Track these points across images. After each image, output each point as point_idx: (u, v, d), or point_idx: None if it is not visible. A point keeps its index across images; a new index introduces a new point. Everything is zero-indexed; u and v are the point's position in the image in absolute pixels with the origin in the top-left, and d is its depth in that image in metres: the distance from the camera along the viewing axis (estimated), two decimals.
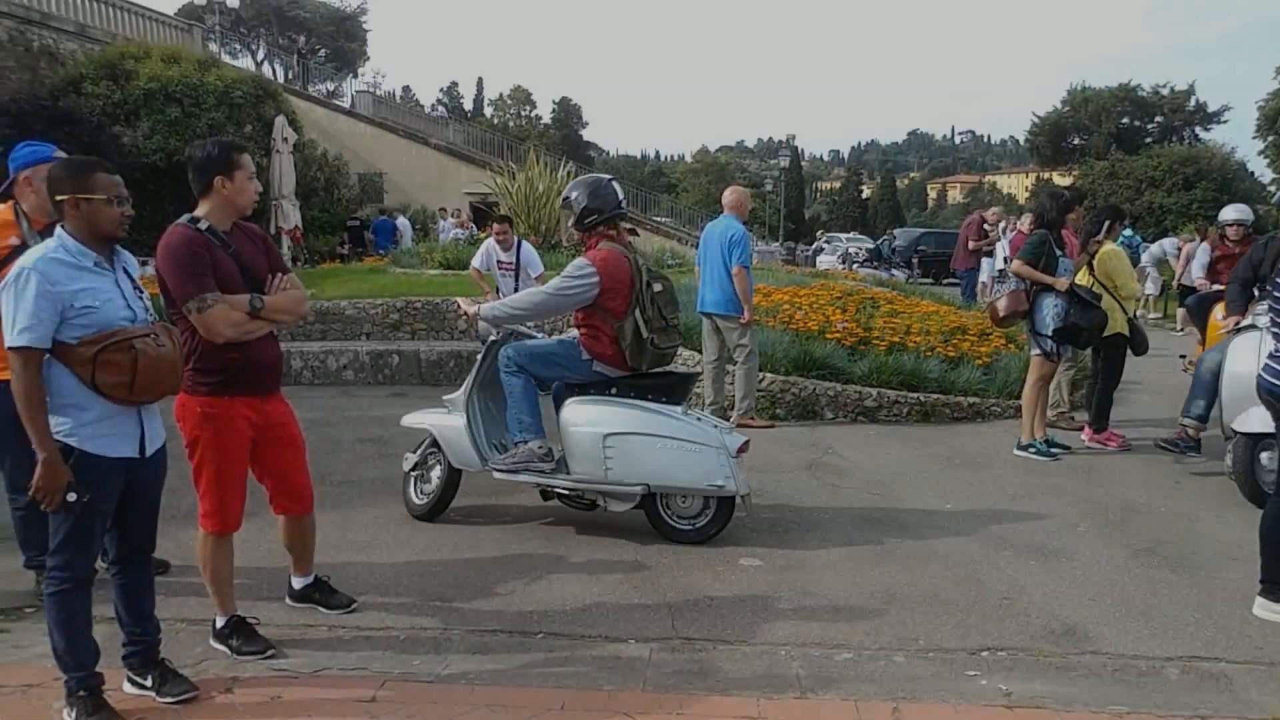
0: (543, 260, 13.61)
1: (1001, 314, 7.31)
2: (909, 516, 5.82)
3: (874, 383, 8.66)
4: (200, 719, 3.34)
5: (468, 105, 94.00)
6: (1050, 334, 7.07)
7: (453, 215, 23.14)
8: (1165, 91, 45.48)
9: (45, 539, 3.27)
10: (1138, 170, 37.98)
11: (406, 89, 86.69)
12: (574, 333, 5.29)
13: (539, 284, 8.91)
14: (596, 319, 5.09)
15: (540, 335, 5.71)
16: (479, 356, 5.61)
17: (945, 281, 24.32)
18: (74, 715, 3.19)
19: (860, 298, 10.85)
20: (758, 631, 4.13)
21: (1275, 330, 4.45)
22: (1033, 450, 7.27)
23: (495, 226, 9.79)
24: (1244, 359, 6.03)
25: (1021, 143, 62.74)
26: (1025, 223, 13.39)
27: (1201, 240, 16.52)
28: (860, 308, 10.37)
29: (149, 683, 3.39)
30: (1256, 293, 6.42)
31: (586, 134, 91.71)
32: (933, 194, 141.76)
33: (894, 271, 25.58)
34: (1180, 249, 16.24)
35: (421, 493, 5.68)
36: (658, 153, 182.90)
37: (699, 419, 5.25)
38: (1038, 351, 7.22)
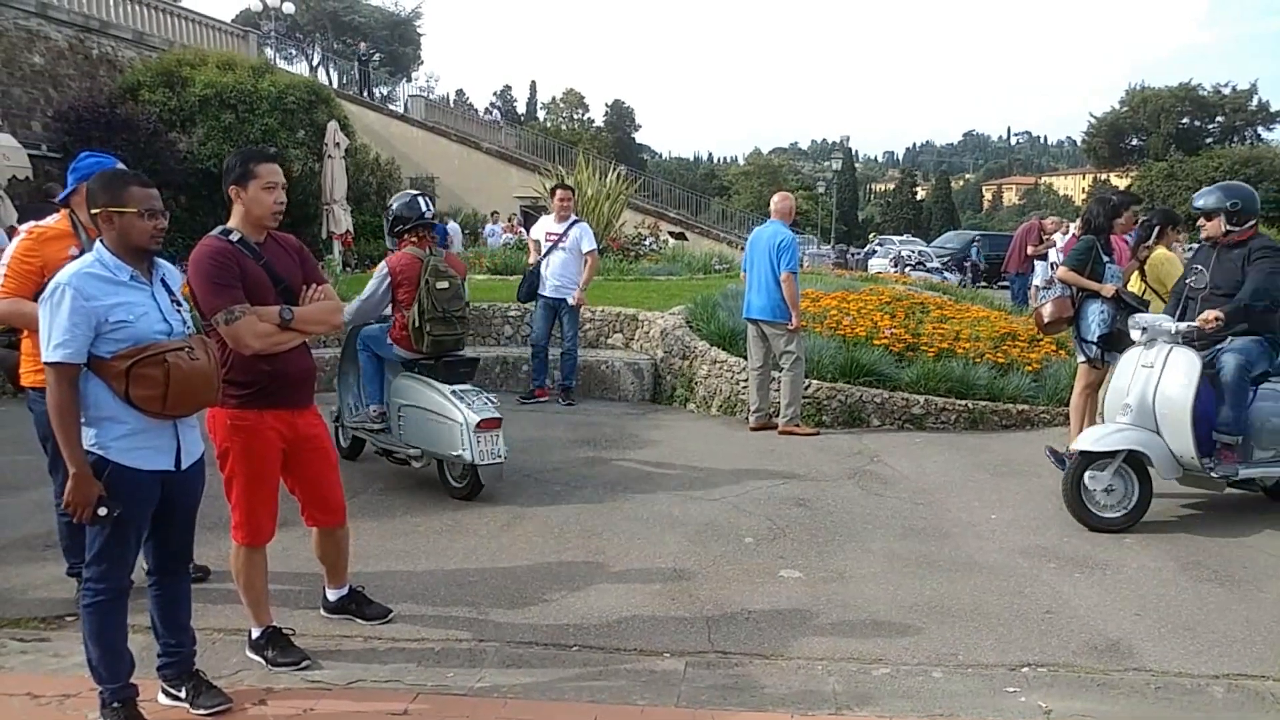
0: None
1: (1046, 320, 7.18)
2: (954, 527, 5.73)
3: (921, 390, 8.55)
4: None
5: (521, 109, 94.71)
6: (1095, 340, 6.92)
7: (503, 220, 23.26)
8: (1226, 91, 44.51)
9: None
10: (1197, 171, 37.24)
11: (460, 92, 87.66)
12: None
13: (589, 260, 9.15)
14: (397, 310, 6.12)
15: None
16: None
17: (997, 285, 23.99)
18: None
19: (910, 303, 10.71)
20: (795, 645, 4.09)
21: None
22: None
23: (559, 193, 9.55)
24: (1122, 374, 5.96)
25: (1079, 144, 61.74)
26: (1078, 227, 13.20)
27: None
28: (909, 313, 10.24)
29: (183, 694, 3.41)
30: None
31: (639, 137, 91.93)
32: (988, 195, 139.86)
33: (946, 275, 25.26)
34: None
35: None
36: (710, 155, 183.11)
37: (463, 397, 5.97)
38: (1083, 359, 7.08)
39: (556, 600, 4.53)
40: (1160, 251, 7.46)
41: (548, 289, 9.13)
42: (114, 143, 16.34)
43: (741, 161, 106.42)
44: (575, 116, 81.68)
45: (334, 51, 49.34)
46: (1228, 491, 6.03)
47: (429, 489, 6.34)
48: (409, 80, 53.51)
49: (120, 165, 4.19)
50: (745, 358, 8.57)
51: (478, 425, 5.75)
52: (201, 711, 3.37)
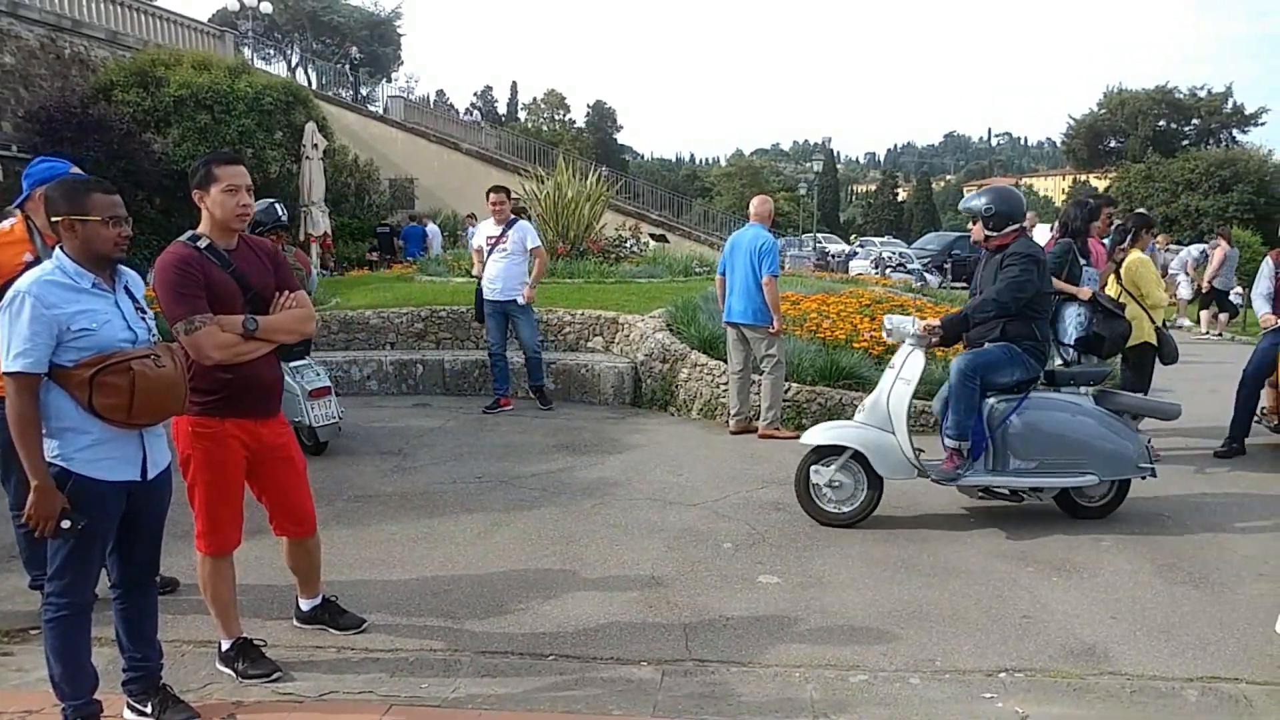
0: (574, 268, 13.62)
1: None
2: (933, 531, 5.72)
3: None
4: None
5: (502, 109, 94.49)
6: (1073, 343, 6.94)
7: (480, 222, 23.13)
8: (1202, 93, 44.88)
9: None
10: (1174, 173, 37.45)
11: (440, 93, 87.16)
12: None
13: (537, 256, 8.98)
14: None
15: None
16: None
17: None
18: None
19: (890, 305, 10.73)
20: (773, 653, 4.06)
21: None
22: None
23: (492, 196, 9.12)
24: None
25: (1058, 145, 62.10)
26: (1056, 229, 13.26)
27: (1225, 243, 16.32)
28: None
29: (149, 710, 3.35)
30: None
31: (621, 137, 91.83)
32: None
33: (926, 277, 25.35)
34: (1207, 253, 16.06)
35: None
36: (692, 156, 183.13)
37: (299, 370, 7.05)
38: (1060, 362, 7.10)
39: (532, 608, 4.49)
40: (1135, 254, 7.50)
41: (493, 293, 8.92)
42: (86, 143, 16.19)
43: (723, 163, 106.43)
44: (556, 117, 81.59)
45: (313, 52, 49.07)
46: (1027, 503, 5.95)
47: (403, 497, 6.30)
48: (389, 81, 53.22)
49: (76, 170, 4.14)
50: (726, 361, 8.55)
51: (310, 394, 7.01)
52: None
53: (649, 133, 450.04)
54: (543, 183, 15.82)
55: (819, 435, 5.84)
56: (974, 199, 5.96)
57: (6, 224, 4.31)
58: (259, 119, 19.67)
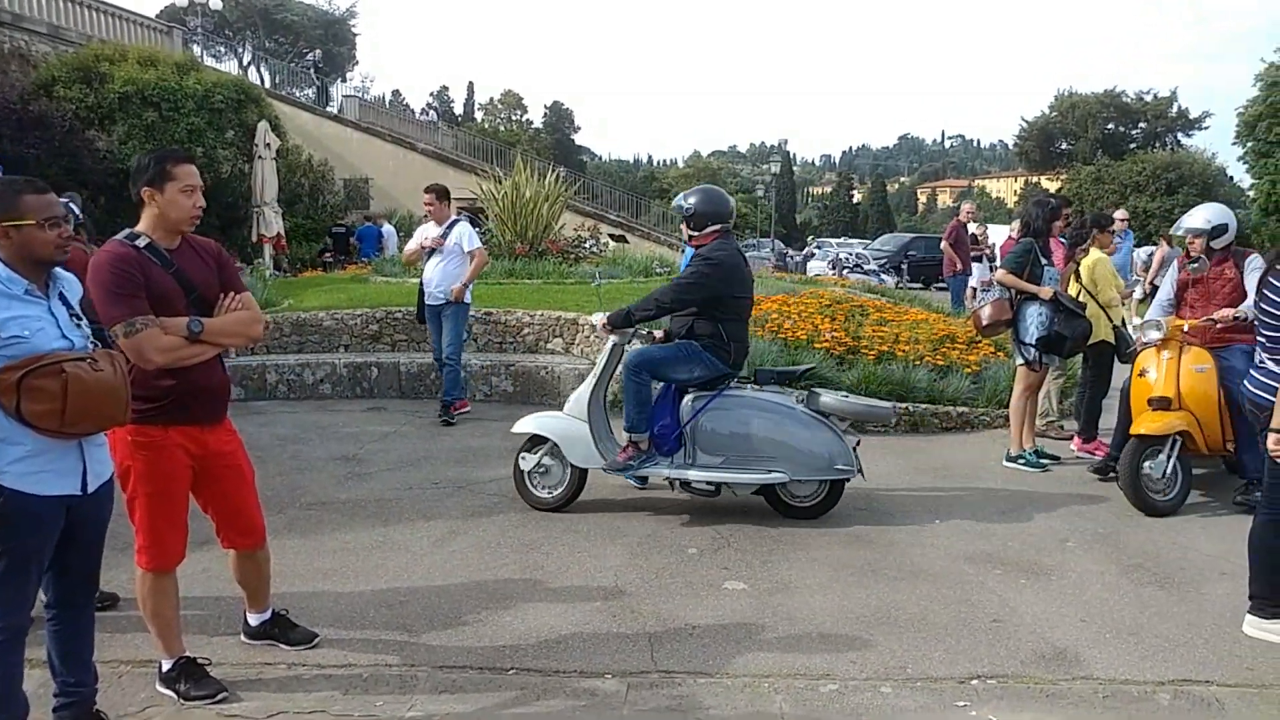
0: (533, 269, 13.44)
1: (985, 322, 7.19)
2: (898, 533, 5.65)
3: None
4: None
5: (459, 110, 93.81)
6: (1034, 343, 6.93)
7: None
8: (1149, 98, 45.67)
9: None
10: (1122, 175, 38.08)
11: (396, 93, 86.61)
12: None
13: (475, 257, 8.59)
14: None
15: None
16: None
17: (935, 286, 24.26)
18: None
19: (849, 305, 10.69)
20: (741, 662, 3.95)
21: (1262, 340, 4.32)
22: (1022, 461, 7.13)
23: (425, 197, 8.72)
24: None
25: (1010, 147, 62.87)
26: (1016, 228, 13.31)
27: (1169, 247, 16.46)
28: (849, 316, 10.21)
29: None
30: None
31: (579, 138, 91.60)
32: (923, 198, 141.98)
33: (883, 277, 25.49)
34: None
35: None
36: (650, 157, 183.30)
37: None
38: (1022, 361, 7.09)
39: (492, 620, 4.34)
40: (1094, 254, 7.51)
41: (432, 297, 8.58)
42: (26, 141, 15.70)
43: (681, 164, 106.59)
44: (514, 118, 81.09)
45: (266, 50, 48.34)
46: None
47: (357, 505, 6.11)
48: (343, 81, 52.61)
49: None
50: None
51: None
52: None
53: (607, 134, 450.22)
54: (500, 183, 15.62)
55: (528, 424, 6.02)
56: (681, 198, 6.03)
57: None
58: (209, 117, 19.20)
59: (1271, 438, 4.02)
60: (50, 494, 2.97)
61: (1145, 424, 6.05)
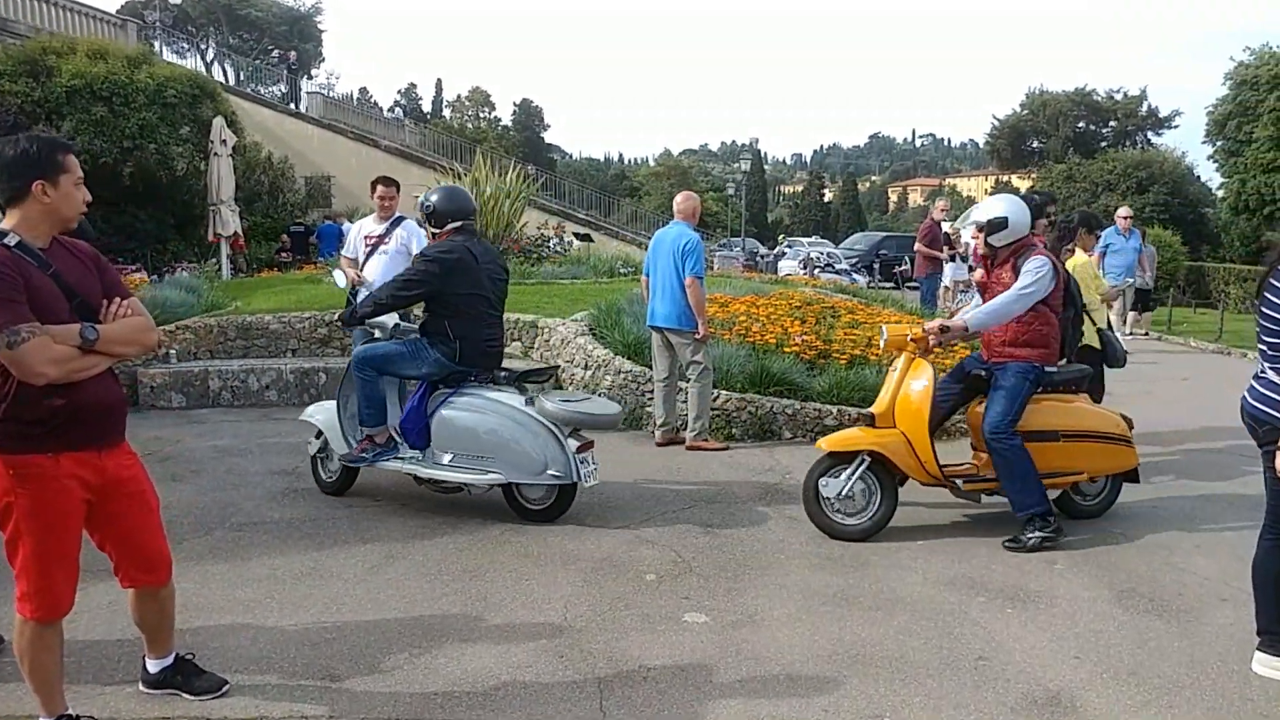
0: (498, 266, 12.94)
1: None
2: (873, 554, 5.26)
3: (834, 400, 8.11)
4: None
5: (427, 107, 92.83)
6: None
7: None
8: (1119, 96, 45.72)
9: None
10: (1094, 174, 37.99)
11: (363, 90, 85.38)
12: None
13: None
14: None
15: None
16: None
17: (907, 286, 24.00)
18: None
19: (820, 307, 10.32)
20: (701, 711, 3.54)
21: (1262, 348, 3.90)
22: None
23: (379, 188, 7.84)
24: None
25: (981, 146, 62.96)
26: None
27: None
28: (820, 318, 9.84)
29: None
30: None
31: (549, 137, 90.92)
32: (894, 197, 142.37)
33: (854, 277, 25.21)
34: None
35: None
36: (621, 156, 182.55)
37: None
38: None
39: (424, 662, 3.90)
40: (1078, 256, 7.18)
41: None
42: None
43: (652, 163, 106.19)
44: (482, 115, 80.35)
45: (229, 47, 47.43)
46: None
47: (290, 525, 5.65)
48: (309, 78, 51.72)
49: None
50: (651, 368, 8.03)
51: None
52: None
53: (577, 132, 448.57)
54: (460, 179, 15.16)
55: (307, 412, 6.49)
56: (424, 197, 6.10)
57: None
58: (161, 112, 18.59)
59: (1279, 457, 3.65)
60: None
61: (831, 439, 5.61)
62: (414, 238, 7.68)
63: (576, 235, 22.44)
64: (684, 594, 4.65)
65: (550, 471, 5.53)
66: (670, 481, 6.70)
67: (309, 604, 4.48)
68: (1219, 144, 34.80)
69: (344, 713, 3.49)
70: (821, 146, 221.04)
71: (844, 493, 5.44)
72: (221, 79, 34.76)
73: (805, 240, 47.66)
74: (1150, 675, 3.85)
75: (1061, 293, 5.65)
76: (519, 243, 14.81)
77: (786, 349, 8.64)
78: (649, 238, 29.55)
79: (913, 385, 5.50)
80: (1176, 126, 46.24)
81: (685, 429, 7.74)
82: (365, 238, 7.86)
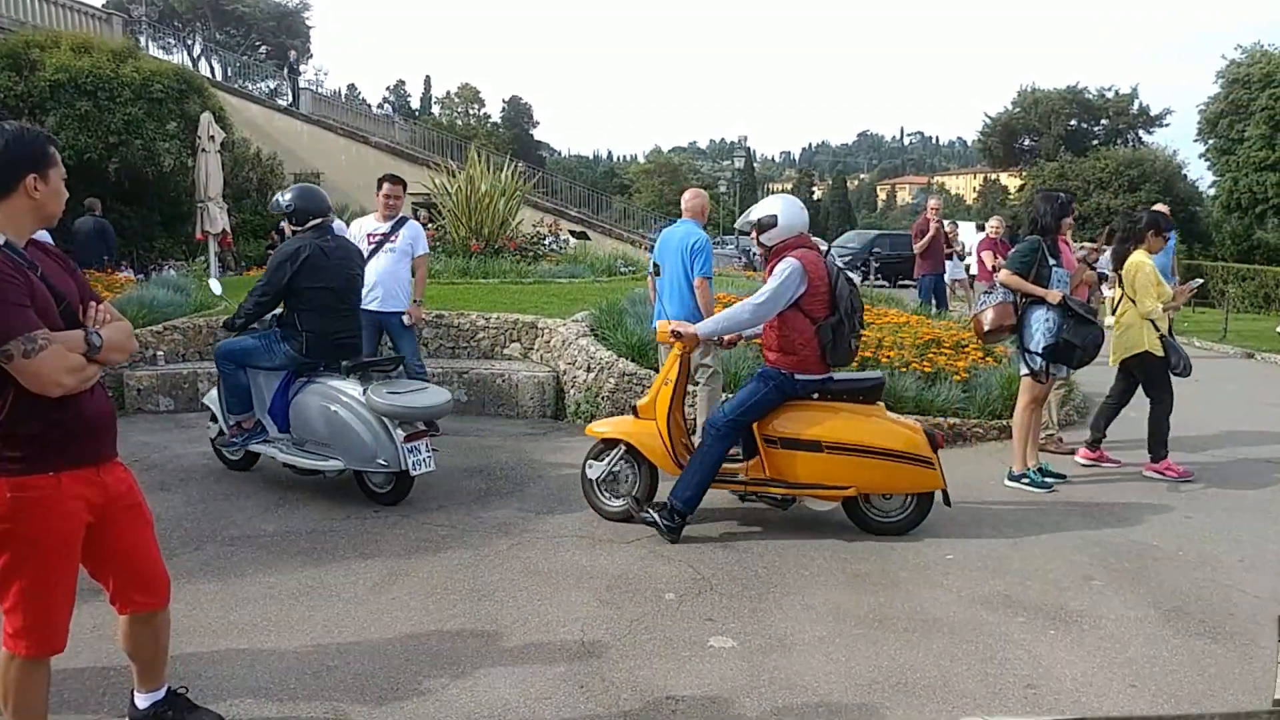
0: (488, 268, 12.68)
1: (987, 328, 6.55)
2: (901, 569, 5.00)
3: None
4: None
5: (416, 104, 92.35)
6: (1040, 351, 6.33)
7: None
8: (1110, 94, 45.64)
9: None
10: (1086, 172, 37.92)
11: (352, 87, 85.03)
12: None
13: (420, 266, 7.73)
14: None
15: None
16: None
17: (900, 283, 23.81)
18: None
19: None
20: None
21: None
22: (1026, 481, 6.53)
23: (386, 186, 7.70)
24: None
25: (970, 144, 62.80)
26: (992, 225, 12.75)
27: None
28: None
29: None
30: None
31: (538, 133, 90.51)
32: (882, 195, 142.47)
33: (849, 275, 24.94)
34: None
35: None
36: (610, 153, 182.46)
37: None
38: (1026, 371, 6.48)
39: (434, 691, 3.62)
40: (1137, 256, 6.92)
41: (372, 301, 7.34)
42: None
43: (642, 160, 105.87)
44: (471, 112, 79.96)
45: (216, 43, 46.93)
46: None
47: (286, 538, 5.36)
48: (297, 74, 51.21)
49: None
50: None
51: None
52: None
53: (566, 130, 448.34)
54: (454, 176, 14.86)
55: (211, 398, 6.67)
56: (279, 196, 6.29)
57: None
58: (147, 107, 18.16)
59: None
60: None
61: (595, 426, 5.99)
62: (418, 239, 7.70)
63: (573, 233, 22.16)
64: (707, 615, 4.38)
65: (379, 460, 5.76)
66: None
67: (308, 626, 4.19)
68: (1211, 142, 34.74)
69: None
70: (810, 144, 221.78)
71: (603, 475, 5.77)
72: (209, 74, 34.33)
73: None
74: (1215, 705, 3.60)
75: (823, 298, 5.29)
76: (515, 241, 14.50)
77: None
78: (642, 235, 29.34)
79: (667, 380, 5.71)
80: (1168, 125, 46.24)
81: (694, 433, 7.46)
82: (369, 235, 7.67)
